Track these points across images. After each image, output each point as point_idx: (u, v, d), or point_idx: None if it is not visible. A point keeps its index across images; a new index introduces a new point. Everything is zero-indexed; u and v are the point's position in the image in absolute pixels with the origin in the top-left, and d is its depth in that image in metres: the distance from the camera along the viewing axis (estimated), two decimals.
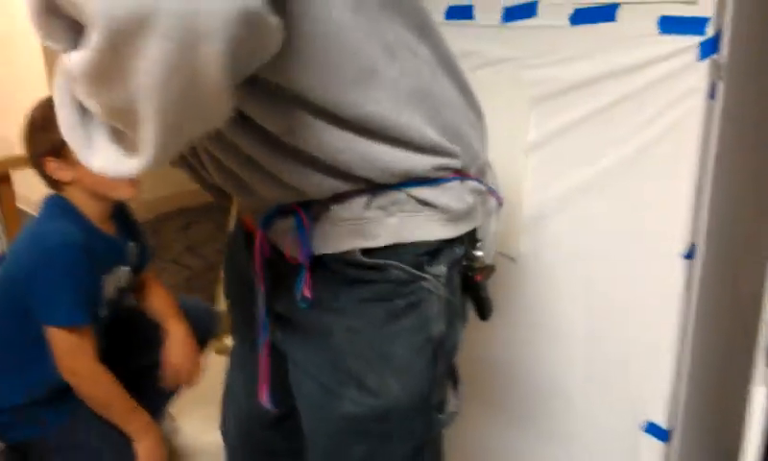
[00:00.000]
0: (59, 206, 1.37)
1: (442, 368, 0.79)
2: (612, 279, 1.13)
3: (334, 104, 0.62)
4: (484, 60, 1.18)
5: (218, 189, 0.80)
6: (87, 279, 1.32)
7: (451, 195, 0.72)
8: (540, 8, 1.09)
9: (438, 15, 1.23)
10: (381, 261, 0.71)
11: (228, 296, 0.95)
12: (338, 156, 0.65)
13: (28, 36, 2.92)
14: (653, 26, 0.97)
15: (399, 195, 0.70)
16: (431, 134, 0.69)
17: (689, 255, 1.03)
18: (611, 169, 1.08)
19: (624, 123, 1.05)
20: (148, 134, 0.51)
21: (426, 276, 0.73)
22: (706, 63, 0.94)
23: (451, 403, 0.83)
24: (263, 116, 0.62)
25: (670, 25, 0.95)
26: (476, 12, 1.17)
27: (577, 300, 1.19)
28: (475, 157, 0.76)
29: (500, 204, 0.84)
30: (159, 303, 1.56)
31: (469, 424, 1.40)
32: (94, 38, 0.45)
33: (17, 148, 1.83)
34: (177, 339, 1.50)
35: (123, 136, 0.56)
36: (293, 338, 0.79)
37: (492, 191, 0.81)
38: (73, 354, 1.31)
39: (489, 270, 0.81)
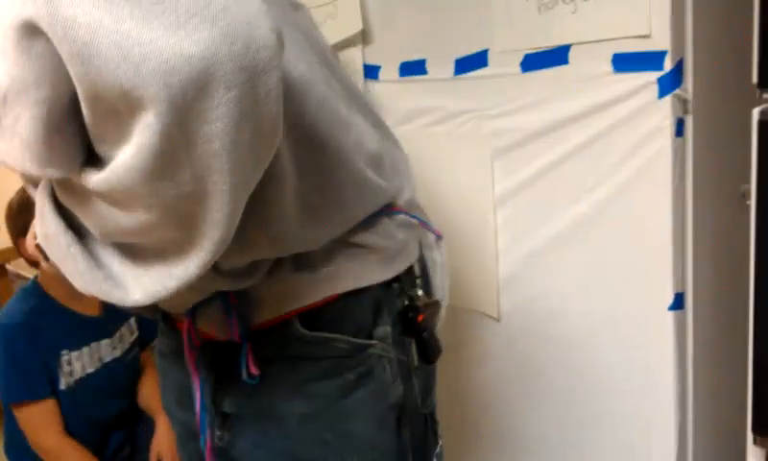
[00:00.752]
0: (25, 289, 1.42)
1: (409, 432, 0.72)
2: (598, 334, 1.04)
3: None
4: (442, 115, 1.12)
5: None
6: (29, 356, 1.34)
7: (381, 233, 0.68)
8: (491, 57, 1.02)
9: (392, 73, 1.18)
10: (322, 334, 0.66)
11: (167, 410, 0.87)
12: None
13: None
14: (607, 65, 0.90)
15: (328, 244, 0.65)
16: (363, 166, 0.64)
17: (676, 306, 0.94)
18: (584, 217, 1.00)
19: (592, 169, 0.97)
20: (216, 213, 0.45)
21: (372, 342, 0.67)
22: (668, 99, 0.87)
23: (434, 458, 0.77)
24: None
25: (624, 63, 0.88)
26: (429, 66, 1.12)
27: (564, 358, 1.09)
28: (400, 191, 0.72)
29: (439, 237, 0.80)
30: (152, 393, 1.50)
31: None
32: (152, 123, 0.40)
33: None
34: (165, 430, 1.43)
35: (134, 251, 0.51)
36: (243, 436, 0.72)
37: (424, 224, 0.77)
38: (33, 429, 1.34)
39: (434, 308, 0.74)
